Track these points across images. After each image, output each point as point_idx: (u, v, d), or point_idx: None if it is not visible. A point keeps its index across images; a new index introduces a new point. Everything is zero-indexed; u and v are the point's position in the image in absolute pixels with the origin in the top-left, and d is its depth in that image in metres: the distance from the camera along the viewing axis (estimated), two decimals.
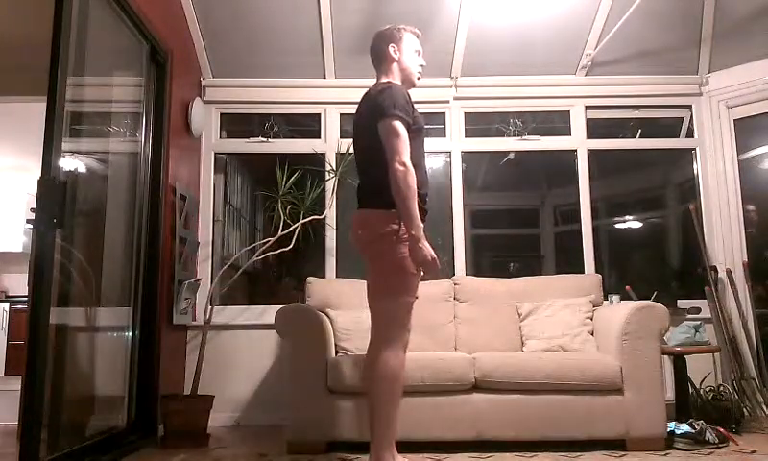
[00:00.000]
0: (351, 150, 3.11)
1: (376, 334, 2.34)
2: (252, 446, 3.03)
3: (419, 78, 2.57)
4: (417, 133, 2.37)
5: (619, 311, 3.00)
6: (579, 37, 3.96)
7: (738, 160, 4.03)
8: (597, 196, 4.17)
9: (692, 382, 3.44)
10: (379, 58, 2.53)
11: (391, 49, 2.50)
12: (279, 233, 3.59)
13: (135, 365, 3.12)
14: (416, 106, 2.42)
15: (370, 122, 2.34)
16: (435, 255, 2.26)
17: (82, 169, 2.75)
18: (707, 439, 2.83)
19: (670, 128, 4.29)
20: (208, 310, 3.42)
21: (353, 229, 2.42)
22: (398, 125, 2.26)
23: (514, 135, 4.21)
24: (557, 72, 4.15)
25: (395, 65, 2.50)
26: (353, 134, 2.54)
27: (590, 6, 3.80)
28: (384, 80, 2.48)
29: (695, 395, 3.46)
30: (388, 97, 2.31)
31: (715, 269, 3.89)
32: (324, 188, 3.90)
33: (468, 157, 4.20)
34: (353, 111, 2.40)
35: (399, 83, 2.46)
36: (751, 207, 3.75)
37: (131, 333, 3.12)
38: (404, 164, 2.22)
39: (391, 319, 2.32)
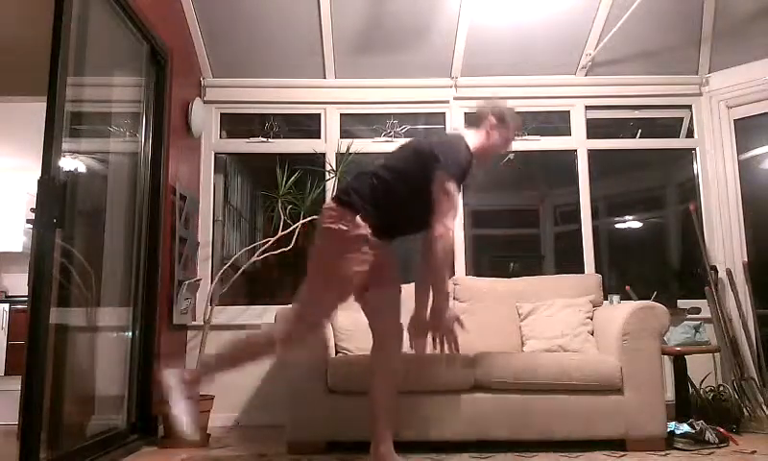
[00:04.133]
0: (352, 150, 3.08)
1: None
2: (251, 446, 3.03)
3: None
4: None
5: (619, 311, 3.00)
6: (579, 37, 3.96)
7: (738, 160, 4.03)
8: (597, 196, 4.17)
9: (692, 382, 3.44)
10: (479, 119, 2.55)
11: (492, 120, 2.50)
12: (279, 233, 3.59)
13: (135, 365, 3.12)
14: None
15: (426, 159, 2.32)
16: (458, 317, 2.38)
17: (82, 169, 2.75)
18: (707, 439, 2.83)
19: (670, 128, 4.29)
20: (208, 310, 3.42)
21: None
22: (454, 188, 2.26)
23: None
24: (557, 72, 4.15)
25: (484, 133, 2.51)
26: (401, 147, 2.51)
27: (590, 6, 3.80)
28: (471, 132, 2.52)
29: (695, 395, 3.46)
30: (451, 152, 2.32)
31: (715, 269, 3.89)
32: (324, 188, 3.90)
33: None
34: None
35: (479, 144, 2.48)
36: None
37: (131, 333, 3.12)
38: (449, 229, 2.25)
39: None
